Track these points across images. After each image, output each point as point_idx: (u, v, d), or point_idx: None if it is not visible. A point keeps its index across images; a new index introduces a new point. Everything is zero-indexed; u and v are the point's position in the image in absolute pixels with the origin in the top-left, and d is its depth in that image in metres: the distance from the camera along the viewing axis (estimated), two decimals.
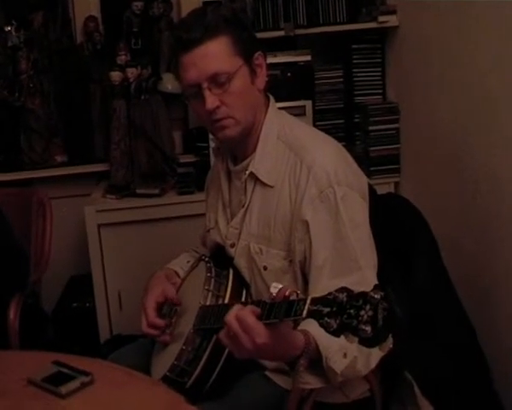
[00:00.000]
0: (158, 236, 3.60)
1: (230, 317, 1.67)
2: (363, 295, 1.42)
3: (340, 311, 1.43)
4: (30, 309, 3.02)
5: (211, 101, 1.99)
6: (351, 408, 2.14)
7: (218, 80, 1.98)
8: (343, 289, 1.46)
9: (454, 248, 2.92)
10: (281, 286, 1.63)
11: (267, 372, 2.12)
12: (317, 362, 1.83)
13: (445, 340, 2.32)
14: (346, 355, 1.82)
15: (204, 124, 2.13)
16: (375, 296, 1.40)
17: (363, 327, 1.38)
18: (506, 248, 2.64)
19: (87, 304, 3.74)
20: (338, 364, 1.83)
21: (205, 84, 1.98)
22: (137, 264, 3.53)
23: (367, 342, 1.40)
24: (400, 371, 2.24)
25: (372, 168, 3.72)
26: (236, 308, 1.68)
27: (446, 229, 2.97)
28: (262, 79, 2.10)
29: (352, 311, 1.41)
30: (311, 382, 1.88)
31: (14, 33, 3.88)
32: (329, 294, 1.48)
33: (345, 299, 1.44)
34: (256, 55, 2.06)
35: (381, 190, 2.57)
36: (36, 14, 3.91)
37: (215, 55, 1.98)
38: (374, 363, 1.92)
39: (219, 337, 1.75)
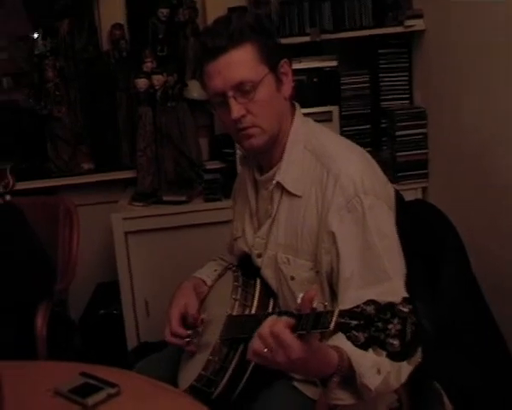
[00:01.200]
0: (185, 243, 3.60)
1: (265, 331, 1.64)
2: (391, 308, 1.40)
3: (368, 324, 1.41)
4: (57, 317, 3.02)
5: (236, 110, 1.97)
6: None
7: (243, 89, 1.97)
8: (371, 302, 1.44)
9: (482, 254, 2.88)
10: (302, 294, 1.61)
11: (295, 382, 2.09)
12: (349, 378, 1.81)
13: (474, 349, 2.28)
14: (380, 371, 1.80)
15: (230, 132, 2.11)
16: (404, 310, 1.38)
17: (391, 341, 1.36)
18: None
19: (114, 311, 3.74)
20: (372, 380, 1.80)
21: (230, 93, 1.97)
22: (164, 271, 3.54)
23: (395, 356, 1.38)
24: (429, 382, 2.21)
25: (399, 174, 3.69)
26: (270, 322, 1.65)
27: (474, 234, 2.94)
28: (288, 87, 2.08)
29: (379, 324, 1.40)
30: (343, 398, 1.85)
31: (40, 41, 3.91)
32: (357, 306, 1.46)
33: (373, 312, 1.42)
34: (282, 62, 2.05)
35: (408, 196, 2.55)
36: (62, 23, 3.94)
37: (240, 63, 1.96)
38: (404, 377, 1.89)
39: (249, 359, 1.73)
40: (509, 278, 2.77)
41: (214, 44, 1.96)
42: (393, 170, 3.68)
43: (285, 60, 2.06)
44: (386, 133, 3.80)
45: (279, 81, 2.04)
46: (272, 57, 2.02)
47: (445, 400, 2.17)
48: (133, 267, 3.65)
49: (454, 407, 2.18)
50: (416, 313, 1.38)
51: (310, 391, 2.07)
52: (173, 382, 2.16)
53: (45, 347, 2.80)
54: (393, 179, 3.64)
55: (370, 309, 1.43)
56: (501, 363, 2.37)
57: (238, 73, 1.96)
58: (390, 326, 1.38)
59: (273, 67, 2.02)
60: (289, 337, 1.60)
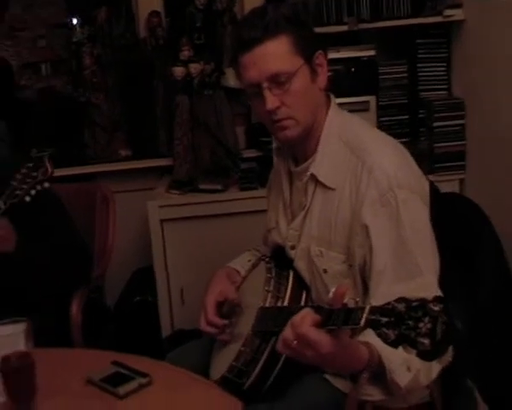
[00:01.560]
0: (220, 231, 3.61)
1: (289, 334, 1.65)
2: (423, 306, 1.39)
3: (399, 322, 1.41)
4: (93, 304, 3.04)
5: (271, 101, 1.97)
6: None
7: (278, 80, 1.96)
8: (402, 300, 1.43)
9: None
10: (334, 288, 1.61)
11: (326, 375, 2.09)
12: (379, 374, 1.81)
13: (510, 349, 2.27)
14: (410, 369, 1.79)
15: (264, 123, 2.11)
16: (435, 309, 1.37)
17: (422, 340, 1.36)
18: None
19: (149, 298, 3.76)
20: (402, 377, 1.79)
21: (265, 84, 1.96)
22: (200, 259, 3.55)
23: (425, 355, 1.37)
24: (462, 379, 2.20)
25: (437, 165, 3.65)
26: (296, 322, 1.64)
27: (509, 227, 2.92)
28: (323, 79, 2.07)
29: (410, 322, 1.39)
30: (373, 394, 1.85)
31: (78, 29, 3.94)
32: (388, 303, 1.45)
33: (403, 309, 1.42)
34: (317, 54, 2.04)
35: (445, 187, 2.54)
36: (99, 10, 3.98)
37: (275, 54, 1.96)
38: (435, 374, 1.88)
39: (278, 350, 1.73)
40: None
41: (249, 36, 1.96)
42: (431, 161, 3.65)
43: (320, 51, 2.05)
44: (424, 124, 3.76)
45: (314, 72, 2.03)
46: (307, 48, 2.01)
47: (478, 397, 2.15)
48: (168, 255, 3.66)
49: (486, 405, 2.17)
50: (447, 311, 1.37)
51: (341, 384, 2.06)
52: (205, 372, 2.17)
53: (80, 333, 2.82)
54: (431, 170, 3.62)
55: (401, 307, 1.42)
56: None
57: (273, 64, 1.96)
58: (421, 325, 1.37)
59: (308, 59, 2.01)
60: (315, 336, 1.60)
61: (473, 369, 2.17)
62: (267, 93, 1.97)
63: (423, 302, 1.40)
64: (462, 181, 3.68)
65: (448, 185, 3.49)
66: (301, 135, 2.05)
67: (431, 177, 3.35)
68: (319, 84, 2.06)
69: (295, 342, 1.63)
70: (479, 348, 2.16)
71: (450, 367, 1.92)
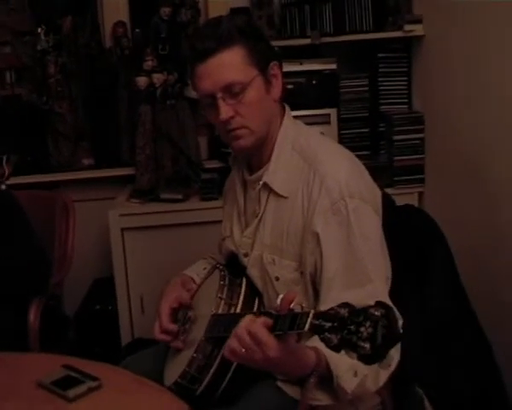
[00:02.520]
0: (181, 241, 3.62)
1: (241, 330, 1.68)
2: (364, 311, 1.42)
3: (341, 326, 1.44)
4: (51, 311, 3.04)
5: (225, 111, 1.99)
6: None
7: (232, 90, 1.98)
8: (345, 305, 1.46)
9: (474, 259, 2.91)
10: (282, 295, 1.64)
11: (278, 382, 2.11)
12: (326, 379, 1.83)
13: (460, 355, 2.30)
14: (357, 374, 1.82)
15: (219, 133, 2.14)
16: (376, 313, 1.40)
17: (362, 344, 1.38)
18: None
19: (109, 307, 3.77)
20: (348, 383, 1.83)
21: (219, 95, 1.99)
22: (160, 268, 3.55)
23: (366, 359, 1.40)
24: (411, 385, 2.23)
25: (396, 178, 3.70)
26: (247, 321, 1.68)
27: (467, 241, 2.97)
28: (277, 89, 2.09)
29: (352, 327, 1.42)
30: (320, 398, 1.88)
31: (43, 37, 3.93)
32: (331, 309, 1.48)
33: (346, 314, 1.44)
34: (271, 64, 2.06)
35: (404, 200, 2.58)
36: (65, 19, 3.97)
37: (229, 65, 1.98)
38: (382, 381, 1.91)
39: (225, 356, 1.76)
40: (501, 285, 2.78)
41: (204, 46, 1.98)
42: (390, 174, 3.70)
43: (275, 62, 2.07)
44: (384, 137, 3.81)
45: (268, 83, 2.06)
46: (262, 59, 2.03)
47: (426, 404, 2.18)
48: (129, 264, 3.67)
49: None
50: (388, 316, 1.40)
51: (293, 391, 2.07)
52: (159, 378, 2.17)
53: (37, 340, 2.82)
54: (390, 183, 3.66)
55: (344, 312, 1.45)
56: (486, 370, 2.38)
57: (227, 74, 1.98)
58: (362, 329, 1.40)
59: (262, 69, 2.03)
60: (266, 336, 1.63)
61: (423, 376, 2.20)
62: (221, 103, 1.99)
63: (366, 307, 1.42)
64: (421, 194, 3.73)
65: (407, 198, 3.53)
66: (255, 144, 2.07)
67: (390, 190, 3.42)
68: (273, 95, 2.08)
69: (243, 350, 1.66)
70: (428, 355, 2.20)
71: (400, 374, 1.95)
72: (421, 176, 3.70)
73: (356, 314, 1.43)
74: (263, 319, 1.66)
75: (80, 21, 4.00)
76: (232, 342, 1.70)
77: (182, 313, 2.26)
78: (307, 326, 1.51)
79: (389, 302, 1.72)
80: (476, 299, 2.39)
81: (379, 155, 3.82)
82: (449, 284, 2.34)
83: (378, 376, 1.88)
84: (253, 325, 1.65)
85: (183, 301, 2.25)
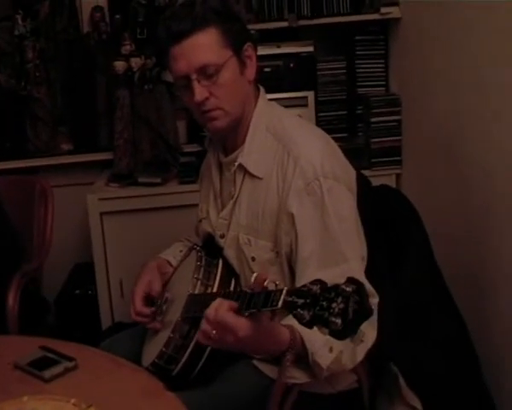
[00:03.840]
0: (159, 224, 3.62)
1: (211, 315, 1.69)
2: (336, 287, 1.43)
3: (314, 303, 1.45)
4: (30, 296, 3.05)
5: (199, 92, 2.01)
6: (337, 399, 2.16)
7: (206, 72, 2.00)
8: (317, 281, 1.48)
9: (449, 241, 2.93)
10: (256, 274, 1.66)
11: (254, 361, 2.13)
12: (302, 357, 1.85)
13: (434, 333, 2.33)
14: (332, 350, 1.84)
15: (194, 115, 2.15)
16: (347, 289, 1.41)
17: (334, 319, 1.40)
18: (497, 242, 2.64)
19: (89, 291, 3.77)
20: (324, 359, 1.85)
21: (194, 76, 2.00)
22: (139, 252, 3.50)
23: (337, 334, 1.41)
24: (386, 364, 2.26)
25: (373, 160, 3.71)
26: (216, 304, 1.69)
27: (442, 222, 2.99)
28: (252, 71, 2.10)
29: (324, 303, 1.43)
30: (296, 376, 1.91)
31: (20, 22, 3.91)
32: (304, 286, 1.50)
33: (318, 291, 1.46)
34: (246, 46, 2.07)
35: (382, 182, 2.59)
36: (42, 4, 3.94)
37: (204, 46, 1.99)
38: (360, 357, 1.94)
39: (198, 341, 1.79)
40: (474, 266, 2.80)
41: (178, 28, 2.00)
42: (368, 156, 3.71)
43: (249, 43, 2.08)
44: (362, 119, 3.82)
45: (243, 64, 2.07)
46: (236, 41, 2.04)
47: (401, 382, 2.21)
48: (108, 248, 3.68)
49: (411, 389, 2.23)
50: (359, 292, 1.42)
51: (269, 370, 2.10)
52: (138, 359, 2.19)
53: (16, 324, 2.83)
54: (368, 165, 3.68)
55: (316, 288, 1.47)
56: (461, 348, 2.41)
57: (202, 56, 1.99)
58: (333, 305, 1.42)
59: (237, 51, 2.05)
60: (232, 320, 1.65)
61: (397, 353, 2.23)
62: (196, 85, 2.00)
63: (337, 284, 1.44)
64: (398, 176, 3.75)
65: (385, 180, 3.52)
66: (230, 125, 2.08)
67: (368, 172, 3.44)
68: (248, 76, 2.09)
69: (214, 331, 1.68)
70: (403, 334, 2.22)
71: (375, 352, 1.98)
72: (398, 158, 3.72)
73: (328, 291, 1.44)
74: (227, 303, 1.68)
75: (58, 6, 3.97)
76: (204, 327, 1.72)
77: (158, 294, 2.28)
78: (280, 303, 1.52)
79: (363, 280, 1.75)
80: (451, 279, 2.41)
81: (356, 138, 3.83)
82: (424, 264, 2.36)
83: (354, 352, 1.91)
84: (218, 313, 1.66)
85: (153, 289, 2.27)
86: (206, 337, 1.73)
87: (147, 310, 2.22)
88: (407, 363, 2.23)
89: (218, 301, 1.71)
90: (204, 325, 1.72)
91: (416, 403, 2.21)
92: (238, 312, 1.66)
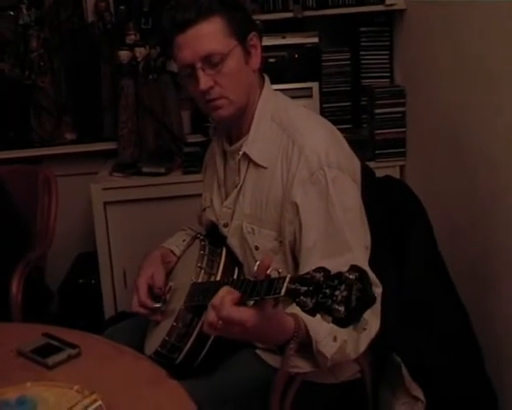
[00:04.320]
0: (163, 214, 3.62)
1: (213, 317, 1.68)
2: (339, 275, 1.43)
3: (317, 290, 1.45)
4: (34, 284, 3.06)
5: (204, 81, 2.01)
6: (340, 389, 2.16)
7: (211, 61, 2.00)
8: (320, 269, 1.48)
9: (453, 232, 2.93)
10: (259, 262, 1.65)
11: (258, 351, 2.14)
12: (306, 346, 1.85)
13: (438, 325, 2.32)
14: (336, 339, 1.84)
15: (199, 104, 2.15)
16: (350, 277, 1.41)
17: (337, 307, 1.40)
18: (501, 234, 2.63)
19: (92, 281, 3.77)
20: (328, 348, 1.84)
21: (198, 65, 2.00)
22: (142, 242, 3.51)
23: (340, 321, 1.41)
24: (389, 354, 2.26)
25: (377, 151, 3.70)
26: (217, 306, 1.66)
27: (446, 214, 2.99)
28: (256, 60, 2.10)
29: (327, 291, 1.43)
30: (300, 365, 1.90)
31: (25, 12, 3.92)
32: (307, 273, 1.50)
33: (321, 279, 1.46)
34: (250, 35, 2.07)
35: (386, 174, 2.59)
36: None
37: (208, 35, 1.99)
38: (363, 347, 1.94)
39: (204, 331, 1.78)
40: (478, 257, 2.80)
41: (183, 17, 1.99)
42: (372, 147, 3.70)
43: (254, 33, 2.08)
44: (366, 111, 3.81)
45: (248, 54, 2.07)
46: (241, 30, 2.05)
47: (404, 372, 2.21)
48: (112, 238, 3.68)
49: (414, 381, 2.23)
50: (362, 279, 1.41)
51: (272, 359, 2.11)
52: (140, 348, 2.19)
53: (20, 312, 2.84)
54: (372, 157, 3.67)
55: (319, 276, 1.46)
56: (464, 340, 2.40)
57: (206, 45, 1.99)
58: (337, 293, 1.41)
59: (242, 40, 2.05)
60: (238, 314, 1.64)
61: (400, 344, 2.23)
62: (200, 73, 2.01)
63: (340, 272, 1.44)
64: (402, 167, 3.74)
65: (389, 171, 3.48)
66: (234, 114, 2.08)
67: (372, 163, 3.43)
68: (252, 66, 2.09)
69: (220, 322, 1.67)
70: (406, 324, 2.22)
71: (378, 343, 1.98)
72: (402, 149, 3.71)
73: (331, 278, 1.44)
74: (228, 298, 1.65)
75: None
76: (210, 316, 1.70)
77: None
78: (283, 290, 1.52)
79: (367, 268, 1.75)
80: (455, 271, 2.41)
81: (361, 129, 3.83)
82: (428, 256, 2.36)
83: (358, 342, 1.90)
84: (222, 311, 1.64)
85: (155, 283, 2.26)
86: (212, 328, 1.72)
87: (150, 303, 2.22)
88: (410, 354, 2.23)
89: (224, 289, 1.70)
90: (210, 314, 1.71)
91: (419, 394, 2.21)
92: (242, 301, 1.66)
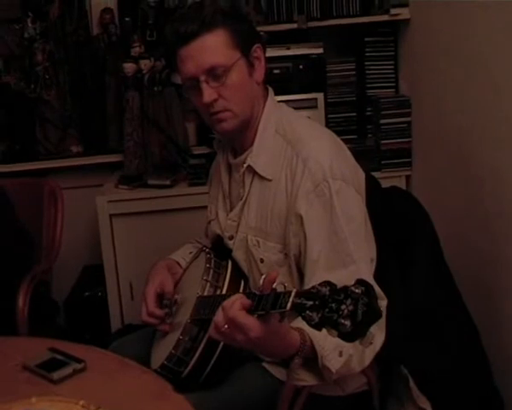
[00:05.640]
0: (169, 226, 3.62)
1: (220, 318, 1.68)
2: (345, 289, 1.43)
3: (323, 305, 1.45)
4: (40, 297, 3.05)
5: (208, 94, 2.00)
6: (347, 402, 2.16)
7: (215, 73, 1.99)
8: (326, 283, 1.47)
9: (460, 243, 2.92)
10: (265, 275, 1.65)
11: (264, 364, 2.13)
12: (312, 360, 1.85)
13: (445, 336, 2.32)
14: (342, 354, 1.84)
15: (203, 116, 2.15)
16: (356, 291, 1.41)
17: (343, 321, 1.40)
18: (508, 244, 2.63)
19: (99, 293, 3.78)
20: (333, 363, 1.84)
21: (202, 78, 2.00)
22: (148, 254, 3.49)
23: (346, 336, 1.41)
24: (396, 366, 2.25)
25: (383, 162, 3.70)
26: (226, 307, 1.68)
27: (452, 224, 2.98)
28: (260, 72, 2.10)
29: (333, 305, 1.43)
30: (305, 379, 1.90)
31: (30, 25, 3.93)
32: (313, 287, 1.49)
33: (327, 293, 1.45)
34: (254, 47, 2.07)
35: (391, 184, 2.60)
36: (52, 6, 3.95)
37: (212, 48, 1.99)
38: (368, 361, 1.93)
39: (211, 335, 1.78)
40: (484, 267, 2.79)
41: (187, 29, 1.99)
42: (378, 158, 3.70)
43: (258, 45, 2.08)
44: (371, 121, 3.81)
45: (251, 66, 2.07)
46: (245, 42, 2.04)
47: (412, 384, 2.20)
48: (118, 250, 3.67)
49: (421, 392, 2.22)
50: (368, 294, 1.41)
51: (278, 373, 2.10)
52: (146, 362, 2.19)
53: (26, 325, 2.83)
54: (378, 167, 3.67)
55: (325, 290, 1.46)
56: (471, 351, 2.40)
57: (210, 57, 1.99)
58: (343, 307, 1.41)
59: (245, 52, 2.04)
60: (244, 319, 1.64)
61: (407, 356, 2.22)
62: (204, 86, 2.00)
63: (346, 286, 1.44)
64: (408, 178, 3.73)
65: (395, 182, 3.53)
66: (238, 127, 2.08)
67: (378, 174, 3.43)
68: (256, 78, 2.09)
69: (226, 326, 1.67)
70: (413, 336, 2.21)
71: (385, 354, 1.97)
72: (408, 159, 3.70)
73: (337, 292, 1.44)
74: (239, 301, 1.66)
75: (67, 8, 3.99)
76: (217, 316, 1.70)
77: (168, 296, 2.28)
78: (289, 305, 1.52)
79: (372, 282, 1.74)
80: (462, 281, 2.40)
81: (366, 139, 3.82)
82: (434, 266, 2.35)
83: (363, 356, 1.90)
84: (230, 311, 1.65)
85: (165, 288, 2.26)
86: (218, 330, 1.71)
87: (159, 312, 2.22)
88: (417, 365, 2.22)
89: (238, 295, 1.69)
90: (218, 315, 1.70)
91: (427, 406, 2.21)
92: (249, 312, 1.65)
